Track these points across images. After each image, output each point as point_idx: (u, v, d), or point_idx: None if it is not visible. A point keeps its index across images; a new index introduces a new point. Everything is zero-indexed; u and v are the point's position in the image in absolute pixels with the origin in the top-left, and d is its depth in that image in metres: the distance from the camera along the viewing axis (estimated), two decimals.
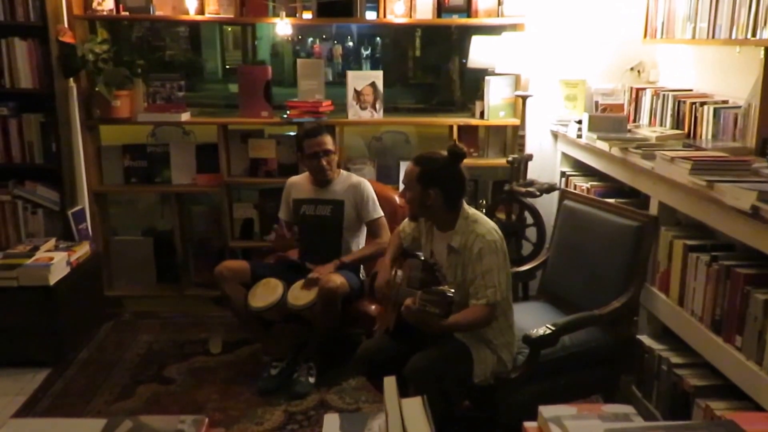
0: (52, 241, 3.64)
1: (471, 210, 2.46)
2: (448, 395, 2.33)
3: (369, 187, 3.33)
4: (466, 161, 2.46)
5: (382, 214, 3.32)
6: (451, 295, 2.13)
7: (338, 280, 3.02)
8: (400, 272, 2.61)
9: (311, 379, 3.16)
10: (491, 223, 2.44)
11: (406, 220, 2.72)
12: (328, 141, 3.26)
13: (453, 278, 2.41)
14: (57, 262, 3.39)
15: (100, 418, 1.14)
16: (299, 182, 3.41)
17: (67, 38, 3.63)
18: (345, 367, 3.30)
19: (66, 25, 3.68)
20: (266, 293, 3.12)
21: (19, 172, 3.76)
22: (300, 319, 3.16)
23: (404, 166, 3.98)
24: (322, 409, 2.99)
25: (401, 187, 3.91)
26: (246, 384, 3.18)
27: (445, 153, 2.45)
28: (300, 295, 3.08)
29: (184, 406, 3.01)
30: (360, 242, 3.38)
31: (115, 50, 3.87)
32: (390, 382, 1.06)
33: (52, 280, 3.34)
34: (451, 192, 2.42)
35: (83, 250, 3.68)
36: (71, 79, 3.75)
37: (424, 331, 2.36)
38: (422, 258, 2.58)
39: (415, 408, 1.01)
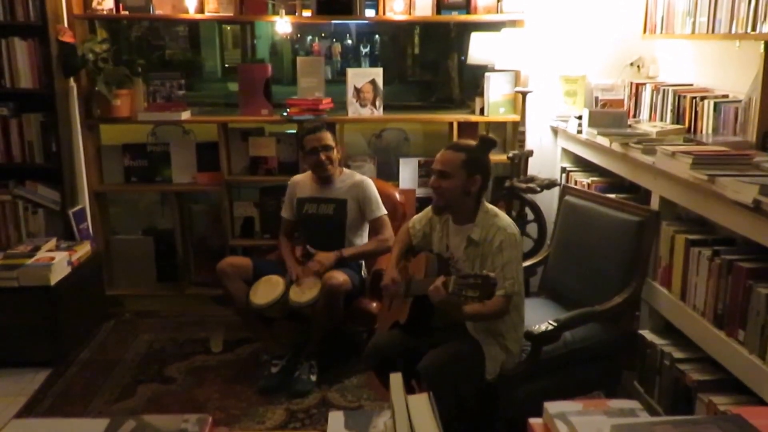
0: (53, 241, 3.64)
1: (489, 205, 2.48)
2: (461, 393, 2.34)
3: (372, 186, 3.32)
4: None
5: (385, 212, 3.31)
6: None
7: (341, 277, 3.02)
8: (407, 268, 2.61)
9: (312, 377, 3.16)
10: (509, 218, 2.47)
11: (416, 217, 2.70)
12: (327, 137, 3.26)
13: (470, 271, 2.41)
14: (58, 261, 3.39)
15: (102, 417, 1.13)
16: (302, 181, 3.41)
17: (67, 38, 3.62)
18: (346, 365, 3.30)
19: (66, 24, 3.67)
20: (268, 290, 3.12)
21: (19, 171, 3.75)
22: (301, 317, 3.16)
23: (404, 163, 4.01)
24: (324, 407, 2.99)
25: (400, 183, 3.95)
26: (247, 383, 3.18)
27: (473, 142, 2.48)
28: (302, 293, 3.08)
29: (185, 405, 3.00)
30: (363, 240, 3.37)
31: (115, 49, 3.87)
32: (396, 379, 1.06)
33: (53, 279, 3.33)
34: (486, 180, 2.45)
35: (84, 249, 3.68)
36: (71, 79, 3.74)
37: (440, 320, 2.39)
38: (435, 252, 2.58)
39: (421, 405, 1.00)
